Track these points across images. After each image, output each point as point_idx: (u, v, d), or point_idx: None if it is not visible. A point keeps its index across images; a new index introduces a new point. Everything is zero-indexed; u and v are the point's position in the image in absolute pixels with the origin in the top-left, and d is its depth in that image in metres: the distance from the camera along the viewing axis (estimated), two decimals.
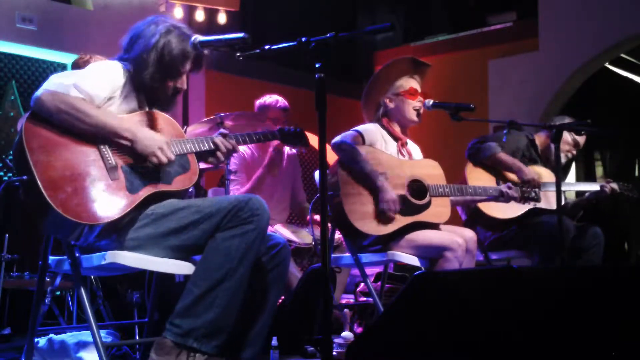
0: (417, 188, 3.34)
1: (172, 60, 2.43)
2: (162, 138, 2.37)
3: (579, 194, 4.47)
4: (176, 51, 2.42)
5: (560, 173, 3.29)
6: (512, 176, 3.88)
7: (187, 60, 2.48)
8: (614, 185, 4.06)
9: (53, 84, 2.28)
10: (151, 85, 2.46)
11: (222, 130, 2.64)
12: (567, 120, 4.03)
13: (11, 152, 2.32)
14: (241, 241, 2.26)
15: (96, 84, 2.35)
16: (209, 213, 2.29)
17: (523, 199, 3.58)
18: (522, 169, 3.84)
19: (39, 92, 2.26)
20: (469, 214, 3.93)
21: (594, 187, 4.10)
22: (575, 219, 4.13)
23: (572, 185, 4.27)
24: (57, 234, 2.37)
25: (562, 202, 3.38)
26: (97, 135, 2.29)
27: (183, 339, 2.21)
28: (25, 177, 2.20)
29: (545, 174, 3.99)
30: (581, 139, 4.13)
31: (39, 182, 2.16)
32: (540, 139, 4.14)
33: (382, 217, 3.21)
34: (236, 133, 2.64)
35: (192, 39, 2.44)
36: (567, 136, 4.05)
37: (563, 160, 4.09)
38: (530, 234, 3.81)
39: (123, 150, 2.34)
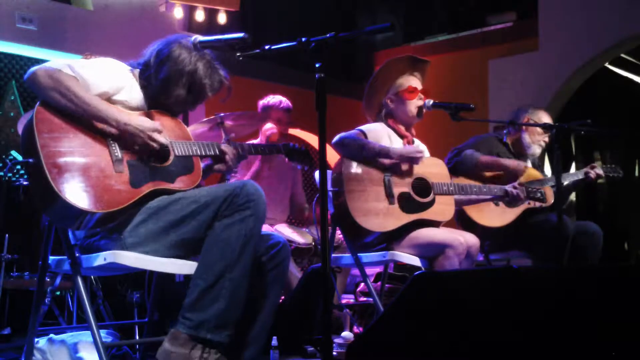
0: (421, 186, 3.34)
1: (201, 92, 2.51)
2: (152, 124, 2.37)
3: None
4: (207, 85, 2.50)
5: (560, 170, 3.28)
6: (497, 174, 3.85)
7: (212, 93, 2.54)
8: (598, 170, 4.04)
9: (50, 62, 2.31)
10: (171, 106, 2.52)
11: (227, 137, 2.67)
12: (531, 110, 4.03)
13: (21, 135, 2.33)
14: (240, 228, 2.26)
15: (94, 73, 2.36)
16: (205, 202, 2.30)
17: (528, 199, 3.57)
18: (505, 164, 3.80)
19: (34, 68, 2.28)
20: (461, 224, 3.88)
21: (579, 175, 4.07)
22: (564, 205, 4.10)
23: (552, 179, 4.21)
24: (59, 221, 2.37)
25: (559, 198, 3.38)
26: (84, 119, 2.29)
27: (196, 331, 2.22)
28: (31, 160, 2.21)
29: (533, 173, 3.97)
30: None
31: (44, 165, 2.17)
32: (510, 136, 4.12)
33: (394, 208, 3.22)
34: (242, 143, 2.67)
35: (192, 39, 2.45)
36: (537, 123, 4.01)
37: (538, 150, 4.08)
38: (529, 234, 3.80)
39: (128, 141, 2.35)
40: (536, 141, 4.03)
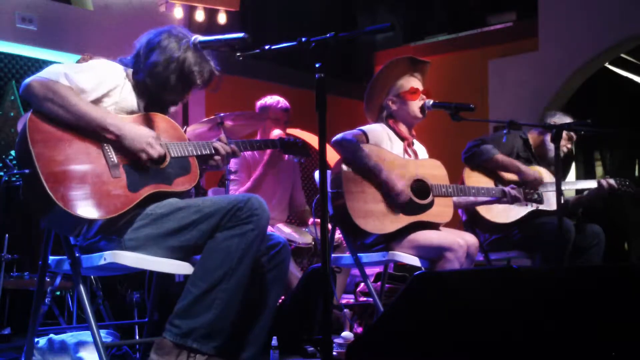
0: (421, 188, 3.34)
1: (191, 79, 2.47)
2: (149, 132, 2.37)
3: (577, 192, 4.44)
4: (196, 72, 2.46)
5: (560, 171, 3.28)
6: (511, 177, 3.87)
7: (202, 80, 2.51)
8: (612, 182, 4.03)
9: (44, 71, 2.31)
10: (162, 95, 2.50)
11: (221, 135, 2.66)
12: (559, 115, 4.03)
13: (15, 146, 2.33)
14: (240, 241, 2.26)
15: (88, 79, 2.35)
16: (208, 213, 2.29)
17: (526, 201, 3.57)
18: (522, 169, 3.83)
19: (28, 79, 2.27)
20: (469, 216, 3.91)
21: (592, 184, 4.06)
22: (574, 217, 4.11)
23: (570, 184, 4.25)
24: (58, 229, 2.37)
25: (562, 201, 3.38)
26: (81, 127, 2.28)
27: (183, 339, 2.21)
28: (27, 171, 2.20)
29: (544, 174, 3.98)
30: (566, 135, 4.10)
31: (40, 175, 2.16)
32: (533, 137, 4.11)
33: (393, 209, 3.21)
34: (237, 140, 2.67)
35: (192, 39, 2.45)
36: (537, 124, 4.01)
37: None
38: (531, 235, 3.80)
39: (125, 148, 2.35)
40: (560, 147, 4.02)
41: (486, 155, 3.83)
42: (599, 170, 8.06)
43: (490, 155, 3.83)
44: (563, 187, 3.91)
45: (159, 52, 2.45)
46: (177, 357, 2.20)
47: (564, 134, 3.98)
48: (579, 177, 7.87)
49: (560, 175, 3.27)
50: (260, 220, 2.29)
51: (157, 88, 2.48)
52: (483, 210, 3.80)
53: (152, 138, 2.35)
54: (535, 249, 3.84)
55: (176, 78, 2.46)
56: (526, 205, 3.64)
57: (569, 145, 4.09)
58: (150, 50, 2.47)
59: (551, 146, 4.00)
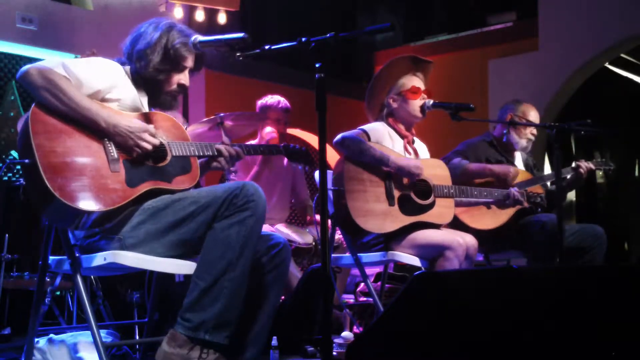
0: (422, 188, 3.33)
1: (176, 53, 2.49)
2: (142, 126, 2.37)
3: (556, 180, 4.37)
4: (179, 45, 2.49)
5: (560, 171, 3.27)
6: (486, 180, 3.82)
7: (190, 54, 2.53)
8: (588, 164, 3.95)
9: (44, 61, 2.34)
10: (155, 79, 2.51)
11: (225, 138, 2.66)
12: (524, 105, 3.99)
13: (17, 138, 2.34)
14: (240, 229, 2.26)
15: (87, 72, 2.37)
16: (205, 204, 2.29)
17: (530, 204, 3.56)
18: (495, 171, 3.75)
19: (27, 66, 2.30)
20: (456, 229, 3.85)
21: (568, 172, 3.96)
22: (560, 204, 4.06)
23: (546, 176, 4.16)
24: (57, 222, 2.38)
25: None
26: (76, 120, 2.29)
27: (195, 332, 2.22)
28: (27, 161, 2.21)
29: (522, 174, 3.93)
30: (535, 117, 4.04)
31: (39, 166, 2.17)
32: (495, 135, 4.07)
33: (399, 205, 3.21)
34: (241, 143, 2.67)
35: (192, 38, 2.46)
36: (524, 118, 3.95)
37: (526, 144, 3.99)
38: (522, 234, 3.77)
39: (122, 147, 2.35)
40: (523, 135, 3.99)
41: (458, 169, 3.71)
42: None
43: (461, 169, 3.73)
44: (540, 183, 3.88)
45: (141, 40, 2.50)
46: (190, 351, 2.21)
47: (524, 120, 3.93)
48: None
49: (560, 175, 3.26)
50: (258, 205, 2.28)
51: (149, 73, 2.49)
52: (470, 221, 3.72)
53: (146, 132, 2.36)
54: (525, 248, 3.81)
55: (162, 57, 2.48)
56: (529, 208, 3.61)
57: (534, 132, 4.01)
58: (135, 43, 2.52)
59: (514, 138, 3.95)
